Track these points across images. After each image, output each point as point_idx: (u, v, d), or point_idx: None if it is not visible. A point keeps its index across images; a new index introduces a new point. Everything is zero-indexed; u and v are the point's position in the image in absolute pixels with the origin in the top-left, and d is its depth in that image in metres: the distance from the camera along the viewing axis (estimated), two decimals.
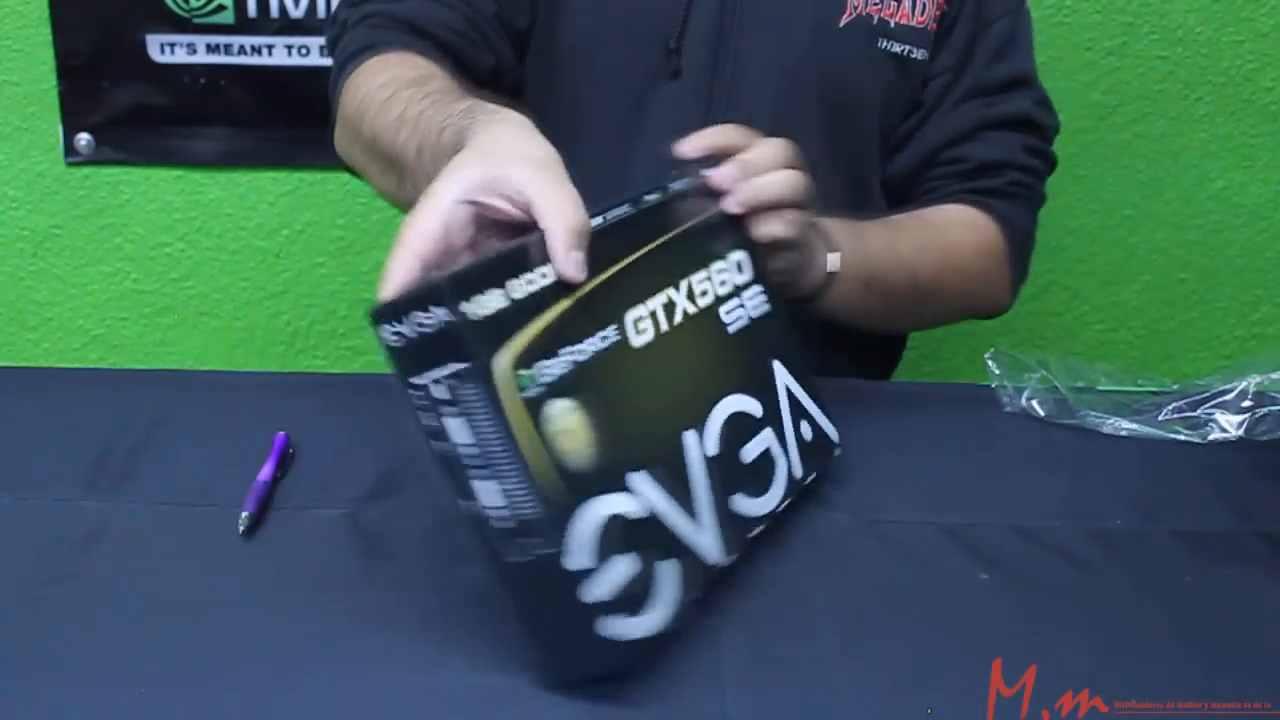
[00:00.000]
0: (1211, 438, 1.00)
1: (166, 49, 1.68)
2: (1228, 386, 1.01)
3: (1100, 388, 1.05)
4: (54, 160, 1.73)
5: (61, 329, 1.82)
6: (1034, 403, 1.02)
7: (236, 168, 1.75)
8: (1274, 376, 1.02)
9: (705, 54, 1.10)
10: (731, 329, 0.83)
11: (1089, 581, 0.83)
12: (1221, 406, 1.01)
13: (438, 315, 0.64)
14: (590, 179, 1.10)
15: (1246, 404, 1.00)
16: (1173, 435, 1.00)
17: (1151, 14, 1.68)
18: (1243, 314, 1.84)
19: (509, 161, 0.71)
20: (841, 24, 1.10)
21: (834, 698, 0.72)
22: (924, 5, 1.12)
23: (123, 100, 1.71)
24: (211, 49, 1.68)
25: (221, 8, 1.66)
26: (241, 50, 1.68)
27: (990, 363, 1.05)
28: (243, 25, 1.67)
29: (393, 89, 0.92)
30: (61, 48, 1.68)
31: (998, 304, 1.20)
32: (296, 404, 0.99)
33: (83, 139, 1.72)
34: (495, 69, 1.10)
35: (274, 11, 1.67)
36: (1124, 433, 1.00)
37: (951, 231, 1.13)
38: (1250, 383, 1.01)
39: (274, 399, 1.00)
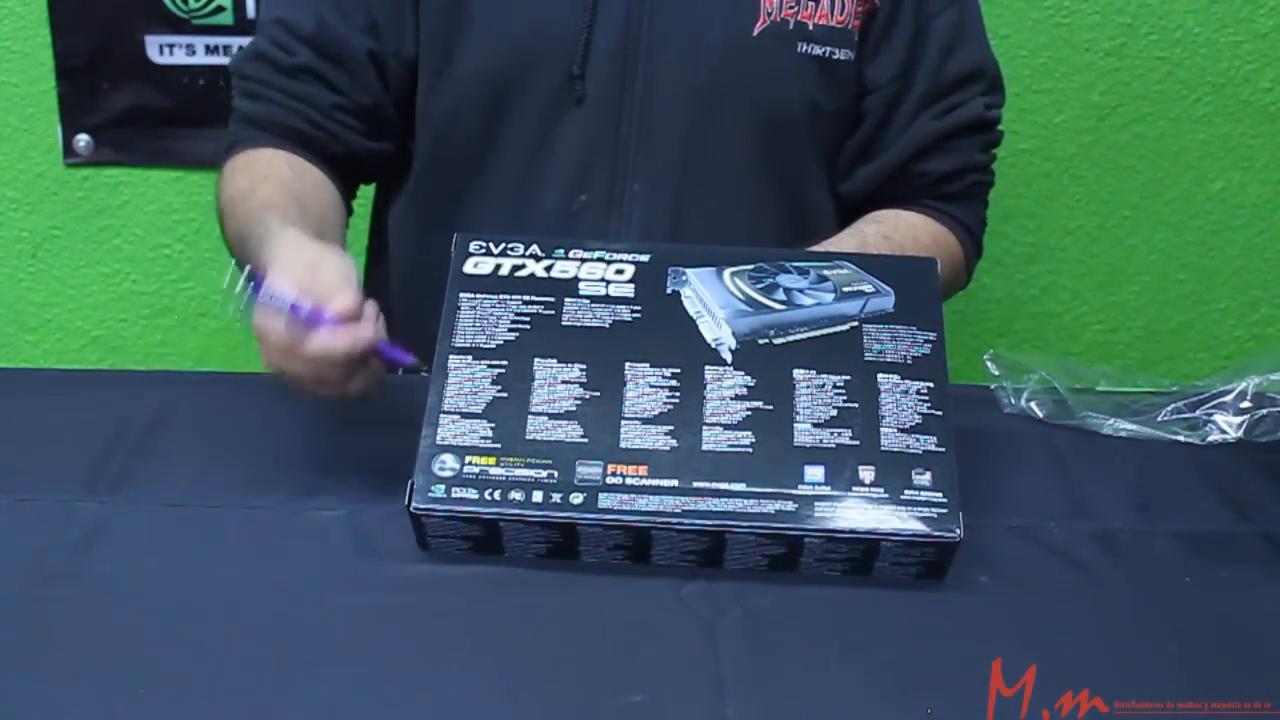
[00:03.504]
0: (1211, 439, 1.00)
1: (165, 50, 1.68)
2: (1227, 388, 1.01)
3: (1099, 389, 1.05)
4: (53, 161, 1.73)
5: (61, 330, 1.82)
6: (1033, 404, 1.02)
7: None
8: (1273, 377, 1.02)
9: (611, 78, 1.08)
10: None
11: (1089, 582, 0.83)
12: (1221, 407, 1.01)
13: None
14: (498, 206, 1.13)
15: (1245, 405, 1.00)
16: (1172, 436, 1.00)
17: (1150, 15, 1.68)
18: (1242, 315, 1.84)
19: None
20: (756, 32, 1.08)
21: (834, 698, 0.72)
22: (843, 4, 1.10)
23: (122, 101, 1.70)
24: (210, 50, 1.68)
25: (220, 9, 1.66)
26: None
27: (990, 364, 1.05)
28: (242, 26, 1.66)
29: (235, 202, 1.04)
30: (60, 49, 1.67)
31: (955, 293, 1.24)
32: (296, 405, 0.98)
33: (82, 140, 1.71)
34: (347, 152, 1.12)
35: None
36: (1123, 434, 1.00)
37: (917, 251, 1.13)
38: (1249, 384, 1.01)
39: (274, 399, 1.00)
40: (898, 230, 1.13)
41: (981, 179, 1.19)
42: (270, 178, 1.05)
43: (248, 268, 0.87)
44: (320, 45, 1.09)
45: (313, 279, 0.84)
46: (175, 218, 1.76)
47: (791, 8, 1.09)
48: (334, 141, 1.11)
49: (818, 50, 1.10)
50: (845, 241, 1.10)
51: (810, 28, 1.10)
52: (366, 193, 1.25)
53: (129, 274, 1.79)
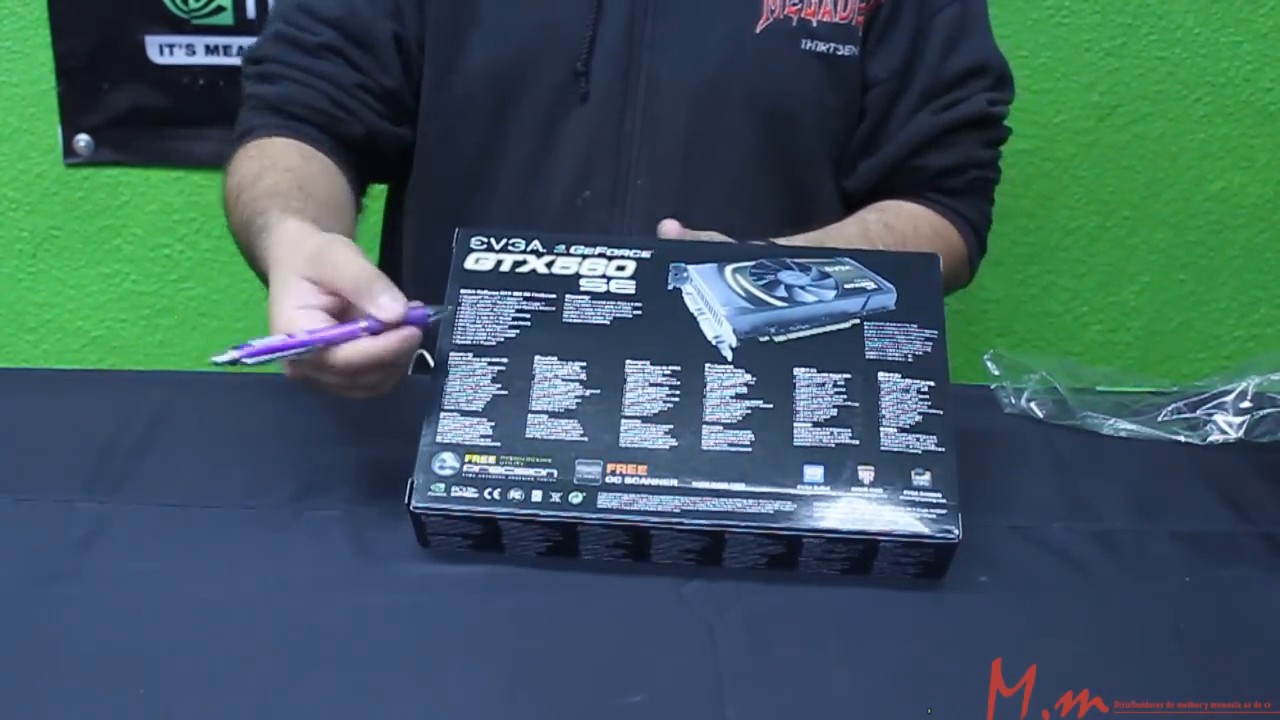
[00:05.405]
0: (1211, 439, 0.99)
1: (165, 50, 1.68)
2: (1227, 388, 1.01)
3: (1099, 389, 1.05)
4: (53, 161, 1.73)
5: (60, 330, 1.82)
6: (1034, 404, 1.02)
7: None
8: (1273, 378, 1.01)
9: (614, 74, 1.09)
10: None
11: (1089, 582, 0.83)
12: (1221, 407, 1.01)
13: None
14: (502, 202, 1.13)
15: (1246, 405, 1.00)
16: (1172, 436, 1.00)
17: (1150, 15, 1.68)
18: (1242, 314, 1.84)
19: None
20: (758, 30, 1.09)
21: (834, 698, 0.72)
22: (846, 0, 1.10)
23: (122, 101, 1.71)
24: (210, 50, 1.68)
25: (220, 9, 1.66)
26: (240, 51, 1.68)
27: (990, 364, 1.05)
28: (242, 26, 1.67)
29: (241, 188, 1.03)
30: (60, 49, 1.68)
31: (957, 289, 1.25)
32: (296, 404, 0.98)
33: (82, 140, 1.72)
34: (368, 134, 1.11)
35: None
36: (1124, 434, 1.00)
37: (918, 240, 1.13)
38: (1250, 384, 1.01)
39: (274, 399, 1.00)
40: (899, 219, 1.14)
41: (985, 174, 1.19)
42: (278, 165, 1.04)
43: (228, 354, 0.78)
44: (345, 28, 1.10)
45: (322, 270, 0.80)
46: (175, 218, 1.77)
47: (795, 5, 1.09)
48: (354, 121, 1.11)
49: (821, 47, 1.10)
50: (847, 228, 1.11)
51: (814, 25, 1.10)
52: (378, 192, 1.25)
53: (129, 274, 1.79)
